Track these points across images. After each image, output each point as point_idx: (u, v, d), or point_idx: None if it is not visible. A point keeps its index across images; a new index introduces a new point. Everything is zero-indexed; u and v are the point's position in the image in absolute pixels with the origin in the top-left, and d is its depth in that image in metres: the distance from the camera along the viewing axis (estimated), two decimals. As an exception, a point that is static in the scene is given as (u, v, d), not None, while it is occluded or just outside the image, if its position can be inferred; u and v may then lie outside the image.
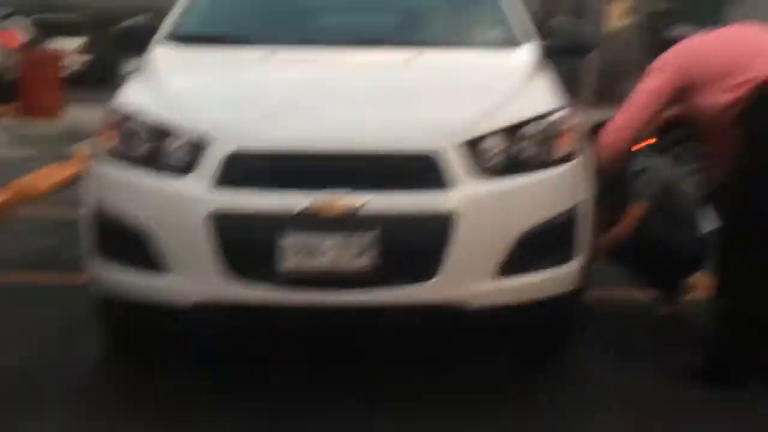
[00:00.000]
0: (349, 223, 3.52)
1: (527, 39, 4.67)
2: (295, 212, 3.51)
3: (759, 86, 4.01)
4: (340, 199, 3.52)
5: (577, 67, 15.46)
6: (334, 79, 4.17)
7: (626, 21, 19.93)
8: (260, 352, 4.38)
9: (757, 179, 4.02)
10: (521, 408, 3.89)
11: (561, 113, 3.95)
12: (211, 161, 3.60)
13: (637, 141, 4.49)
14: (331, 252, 3.52)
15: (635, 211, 4.82)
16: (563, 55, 4.76)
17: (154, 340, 4.35)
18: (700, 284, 5.24)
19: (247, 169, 3.59)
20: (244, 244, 3.56)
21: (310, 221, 3.51)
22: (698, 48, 4.28)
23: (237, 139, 3.63)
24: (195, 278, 3.60)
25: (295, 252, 3.51)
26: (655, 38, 4.60)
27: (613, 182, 4.72)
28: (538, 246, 3.75)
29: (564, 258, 3.89)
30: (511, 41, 4.66)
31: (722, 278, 4.17)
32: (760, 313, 4.08)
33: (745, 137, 4.09)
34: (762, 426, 3.81)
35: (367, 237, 3.52)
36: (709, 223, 5.01)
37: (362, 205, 3.52)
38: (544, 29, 4.76)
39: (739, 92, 4.07)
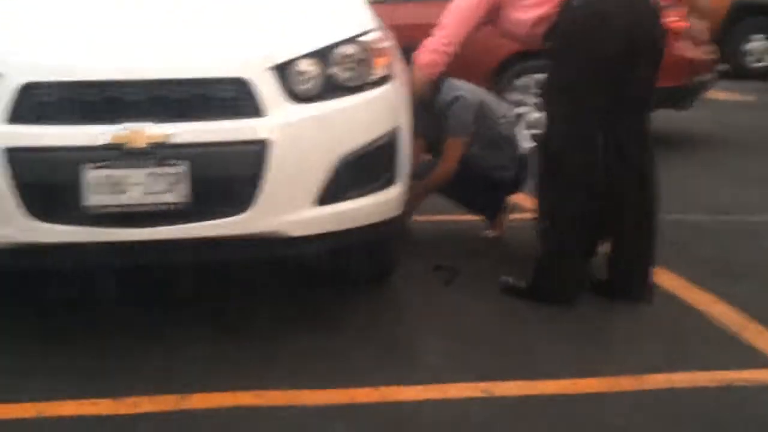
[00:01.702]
0: (156, 155, 3.32)
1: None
2: (96, 145, 3.29)
3: (561, 1, 4.01)
4: (145, 130, 3.32)
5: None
6: (132, 3, 3.91)
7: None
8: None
9: (565, 96, 4.02)
10: (340, 331, 3.84)
11: (375, 34, 3.83)
12: (2, 97, 3.32)
13: (453, 59, 4.42)
14: (139, 186, 3.33)
15: (454, 149, 4.78)
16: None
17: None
18: (525, 205, 5.29)
19: (42, 102, 3.34)
20: (44, 182, 3.32)
21: (113, 155, 3.30)
22: None
23: (28, 71, 3.36)
24: (-6, 221, 3.34)
25: (100, 188, 3.30)
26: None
27: (430, 104, 4.68)
28: (358, 171, 3.65)
29: (386, 183, 3.80)
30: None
31: (541, 198, 4.18)
32: (579, 232, 4.11)
33: (552, 54, 4.09)
34: (583, 340, 3.85)
35: (177, 169, 3.34)
36: (526, 143, 5.04)
37: (170, 136, 3.33)
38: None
39: (544, 8, 4.07)
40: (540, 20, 4.09)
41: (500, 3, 4.18)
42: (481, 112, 4.85)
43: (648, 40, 4.07)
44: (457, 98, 4.79)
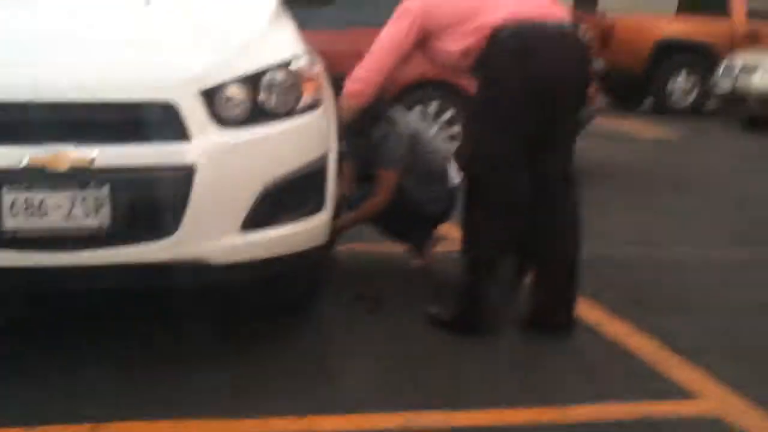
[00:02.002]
0: (78, 178, 3.27)
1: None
2: (16, 168, 3.22)
3: (489, 33, 4.04)
4: (68, 153, 3.26)
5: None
6: (59, 22, 3.84)
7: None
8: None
9: (490, 125, 4.05)
10: (262, 359, 3.80)
11: (304, 60, 3.82)
12: None
13: (382, 89, 4.42)
14: (60, 210, 3.27)
15: (386, 181, 4.77)
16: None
17: None
18: (451, 236, 5.30)
19: None
20: (-39, 204, 3.25)
21: (34, 177, 3.23)
22: None
23: None
24: None
25: (19, 211, 3.23)
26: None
27: (360, 133, 4.67)
28: (284, 198, 3.63)
29: (312, 210, 3.79)
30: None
31: (466, 228, 4.20)
32: (501, 262, 4.14)
33: (478, 83, 4.13)
34: (506, 372, 3.86)
35: (99, 193, 3.29)
36: (456, 174, 5.06)
37: (92, 159, 3.28)
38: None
39: (472, 39, 4.09)
40: (468, 51, 4.11)
41: (429, 33, 4.19)
42: (414, 145, 4.86)
43: (575, 74, 4.12)
44: (389, 130, 4.79)
